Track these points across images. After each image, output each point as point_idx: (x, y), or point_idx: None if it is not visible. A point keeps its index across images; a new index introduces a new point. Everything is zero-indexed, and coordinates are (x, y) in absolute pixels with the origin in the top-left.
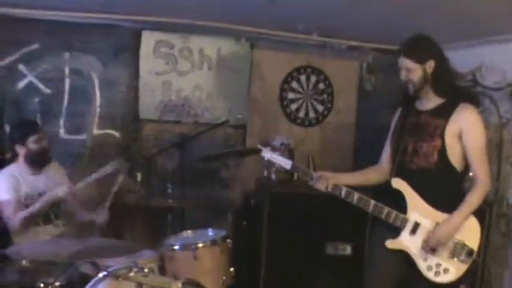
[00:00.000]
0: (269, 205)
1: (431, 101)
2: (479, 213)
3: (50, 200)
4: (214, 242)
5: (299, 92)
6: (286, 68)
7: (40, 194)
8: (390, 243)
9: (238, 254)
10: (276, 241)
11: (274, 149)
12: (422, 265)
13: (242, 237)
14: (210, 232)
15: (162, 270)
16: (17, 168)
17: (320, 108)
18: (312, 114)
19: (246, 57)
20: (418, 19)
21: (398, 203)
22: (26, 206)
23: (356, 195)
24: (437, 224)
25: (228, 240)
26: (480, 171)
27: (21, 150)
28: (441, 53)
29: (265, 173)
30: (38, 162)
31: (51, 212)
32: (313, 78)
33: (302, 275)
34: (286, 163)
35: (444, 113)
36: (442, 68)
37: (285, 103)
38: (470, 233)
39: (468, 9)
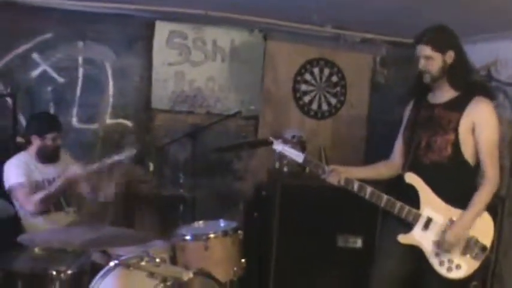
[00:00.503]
0: (280, 197)
1: (445, 94)
2: (492, 209)
3: (67, 179)
4: (225, 233)
5: (312, 85)
6: (299, 60)
7: (50, 182)
8: (402, 238)
9: (249, 245)
10: (287, 233)
11: (286, 142)
12: (434, 261)
13: (253, 229)
14: (222, 223)
15: (174, 260)
16: (28, 157)
17: (333, 101)
18: (324, 107)
19: (259, 49)
20: (433, 12)
21: (411, 197)
22: None
23: (369, 190)
24: (450, 220)
25: (239, 232)
26: (490, 167)
27: (36, 142)
28: (460, 45)
29: (277, 165)
30: (48, 157)
31: (63, 199)
32: (326, 71)
33: (313, 267)
34: (298, 156)
35: (458, 106)
36: (461, 60)
37: (298, 95)
38: (484, 229)
39: (484, 3)
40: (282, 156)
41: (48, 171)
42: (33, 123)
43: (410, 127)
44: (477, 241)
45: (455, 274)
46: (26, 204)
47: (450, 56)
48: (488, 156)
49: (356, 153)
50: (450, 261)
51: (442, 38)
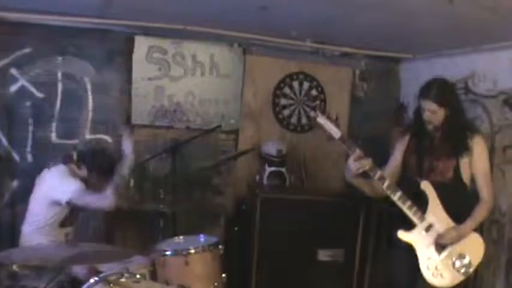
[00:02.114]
0: (261, 210)
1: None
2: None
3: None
4: (205, 248)
5: (291, 98)
6: (278, 74)
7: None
8: (402, 234)
9: (230, 259)
10: (268, 247)
11: (329, 118)
12: (423, 263)
13: (234, 243)
14: (202, 238)
15: (154, 276)
16: (71, 172)
17: (312, 114)
18: (304, 121)
19: (239, 63)
20: (411, 27)
21: (419, 204)
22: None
23: (387, 181)
24: None
25: (220, 246)
26: (487, 192)
27: (84, 171)
28: (458, 97)
29: (257, 178)
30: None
31: (74, 217)
32: (305, 85)
33: (294, 281)
34: (336, 133)
35: (459, 142)
36: (459, 111)
37: (278, 109)
38: (475, 250)
39: (460, 18)
40: (320, 128)
41: None
42: (95, 159)
43: (412, 152)
44: (466, 259)
45: (438, 282)
46: (102, 202)
47: (452, 109)
48: (485, 183)
49: (336, 166)
50: (437, 268)
51: (446, 94)
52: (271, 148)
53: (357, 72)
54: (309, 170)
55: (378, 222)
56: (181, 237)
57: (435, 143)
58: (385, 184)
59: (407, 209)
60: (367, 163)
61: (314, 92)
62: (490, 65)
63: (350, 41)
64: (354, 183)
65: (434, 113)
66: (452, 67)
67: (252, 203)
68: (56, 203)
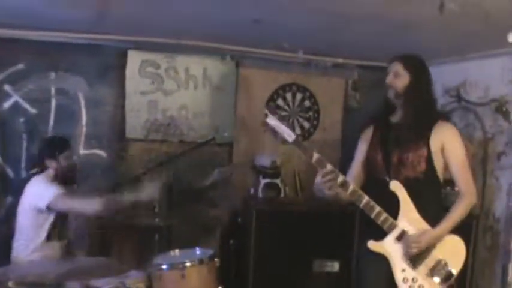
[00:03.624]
0: (256, 223)
1: (408, 115)
2: (466, 228)
3: (134, 201)
4: (201, 261)
5: (285, 110)
6: (271, 86)
7: None
8: (373, 245)
9: (225, 272)
10: (263, 259)
11: (281, 119)
12: (399, 275)
13: (230, 256)
14: (198, 251)
15: None
16: (49, 179)
17: (306, 125)
18: (298, 132)
19: (232, 76)
20: (403, 37)
21: (389, 206)
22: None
23: (351, 187)
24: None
25: (216, 259)
26: (465, 184)
27: (52, 164)
28: (429, 74)
29: (252, 190)
30: (67, 178)
31: (64, 229)
32: (298, 96)
33: None
34: (289, 135)
35: (425, 125)
36: (426, 86)
37: None
38: (455, 256)
39: (451, 27)
40: (273, 132)
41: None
42: (45, 148)
43: (377, 146)
44: (446, 265)
45: None
46: (80, 207)
47: (416, 78)
48: (462, 174)
49: None
50: (414, 279)
51: (415, 61)
52: (265, 160)
53: (350, 82)
54: (303, 181)
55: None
56: (177, 250)
57: (402, 131)
58: (349, 190)
59: (375, 217)
60: (327, 165)
61: (307, 103)
62: (482, 73)
63: (342, 51)
64: (327, 197)
65: (397, 76)
66: (444, 76)
67: (247, 215)
68: (39, 210)
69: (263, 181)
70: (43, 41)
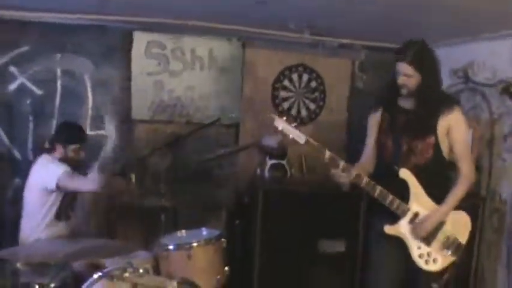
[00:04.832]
0: (262, 203)
1: (420, 106)
2: (473, 209)
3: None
4: (208, 241)
5: (291, 91)
6: (278, 67)
7: None
8: (389, 229)
9: (232, 252)
10: (270, 239)
11: (289, 121)
12: (415, 252)
13: (236, 236)
14: (204, 231)
15: (157, 270)
16: (52, 159)
17: (312, 106)
18: (304, 113)
19: (238, 57)
20: (410, 17)
21: (400, 192)
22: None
23: (365, 179)
24: None
25: (222, 239)
26: (466, 164)
27: (59, 150)
28: (437, 63)
29: (258, 171)
30: (71, 167)
31: (71, 209)
32: (305, 77)
33: (296, 272)
34: (299, 137)
35: (433, 111)
36: (435, 77)
37: (277, 102)
38: (462, 229)
39: (459, 7)
40: (283, 136)
41: None
42: (59, 132)
43: (387, 132)
44: (455, 238)
45: (431, 267)
46: (87, 185)
47: (427, 75)
48: (464, 155)
49: None
50: (429, 254)
51: (423, 58)
52: (271, 141)
53: (357, 63)
54: (309, 161)
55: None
56: (183, 231)
57: (410, 118)
58: (363, 182)
59: (389, 204)
60: (341, 163)
61: (313, 84)
62: (490, 54)
63: (349, 32)
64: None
65: (409, 77)
66: (452, 56)
67: (253, 195)
68: (47, 189)
69: (269, 162)
70: (49, 22)
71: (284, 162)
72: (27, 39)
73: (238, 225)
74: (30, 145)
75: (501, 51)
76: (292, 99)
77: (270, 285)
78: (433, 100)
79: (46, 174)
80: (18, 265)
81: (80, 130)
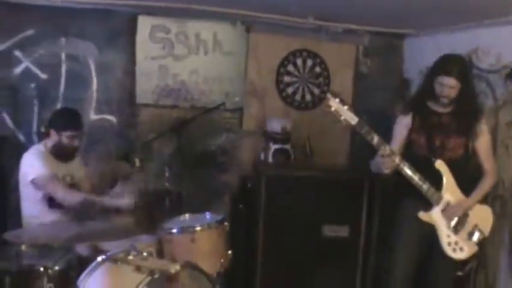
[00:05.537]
0: (266, 188)
1: (459, 111)
2: None
3: (113, 206)
4: (211, 225)
5: (295, 76)
6: (282, 52)
7: (73, 179)
8: (423, 215)
9: (235, 237)
10: (273, 224)
11: (343, 102)
12: (444, 240)
13: (239, 220)
14: (208, 215)
15: (160, 254)
16: (44, 149)
17: (316, 91)
18: (308, 98)
19: (242, 41)
20: (414, 2)
21: (433, 182)
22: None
23: (406, 167)
24: None
25: (226, 224)
26: (491, 166)
27: (53, 137)
28: (471, 74)
29: (262, 156)
30: (61, 155)
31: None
32: (309, 62)
33: (299, 257)
34: (352, 119)
35: (470, 115)
36: (472, 86)
37: (282, 86)
38: (485, 222)
39: None
40: (336, 115)
41: (59, 168)
42: (55, 117)
43: (419, 130)
44: (480, 229)
45: (458, 255)
46: (62, 195)
47: (466, 84)
48: (490, 158)
49: (341, 143)
50: (456, 243)
51: (466, 73)
52: (275, 125)
53: (361, 48)
54: (313, 146)
55: (382, 197)
56: (187, 215)
57: (443, 120)
58: (405, 168)
59: (426, 192)
60: (396, 158)
61: (318, 69)
62: (494, 40)
63: (353, 17)
64: (383, 174)
65: (452, 88)
66: (456, 42)
67: (257, 180)
68: (29, 182)
69: (273, 146)
70: (53, 6)
71: (288, 146)
72: (32, 23)
73: (242, 209)
74: (34, 129)
75: (505, 36)
76: (297, 84)
77: (274, 269)
78: (471, 106)
79: (28, 165)
80: (23, 247)
81: (76, 117)
